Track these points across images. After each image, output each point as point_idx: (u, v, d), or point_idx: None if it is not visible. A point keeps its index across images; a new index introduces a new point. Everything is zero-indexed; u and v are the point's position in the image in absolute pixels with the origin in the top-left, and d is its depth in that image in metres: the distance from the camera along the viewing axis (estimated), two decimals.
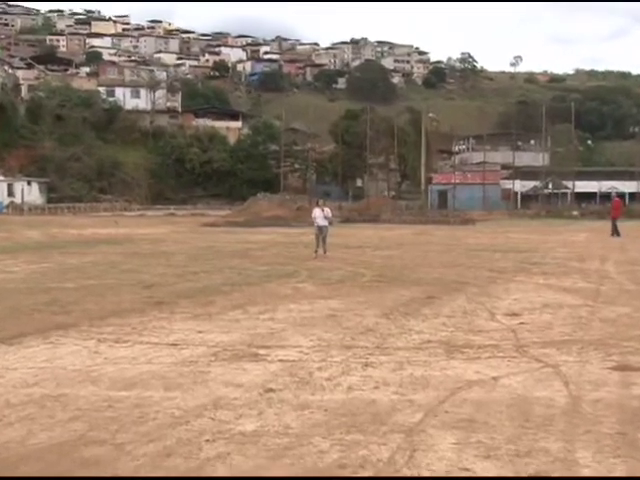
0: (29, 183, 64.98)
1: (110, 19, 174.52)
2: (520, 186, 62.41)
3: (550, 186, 62.29)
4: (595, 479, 4.15)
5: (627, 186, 59.52)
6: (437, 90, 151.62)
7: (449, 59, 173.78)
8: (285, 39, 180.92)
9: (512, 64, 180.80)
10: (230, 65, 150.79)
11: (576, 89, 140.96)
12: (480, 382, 6.07)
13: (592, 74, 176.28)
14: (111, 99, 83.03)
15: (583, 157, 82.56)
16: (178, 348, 7.39)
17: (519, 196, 62.71)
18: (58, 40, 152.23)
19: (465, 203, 55.40)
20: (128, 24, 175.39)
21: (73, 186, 66.70)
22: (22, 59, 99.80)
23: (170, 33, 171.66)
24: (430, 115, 74.66)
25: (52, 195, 65.41)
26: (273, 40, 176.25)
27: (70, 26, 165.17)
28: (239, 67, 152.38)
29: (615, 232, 28.07)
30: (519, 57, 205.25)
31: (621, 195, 46.41)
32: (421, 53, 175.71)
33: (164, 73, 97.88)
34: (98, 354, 7.12)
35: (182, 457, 4.36)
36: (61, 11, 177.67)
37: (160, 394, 5.68)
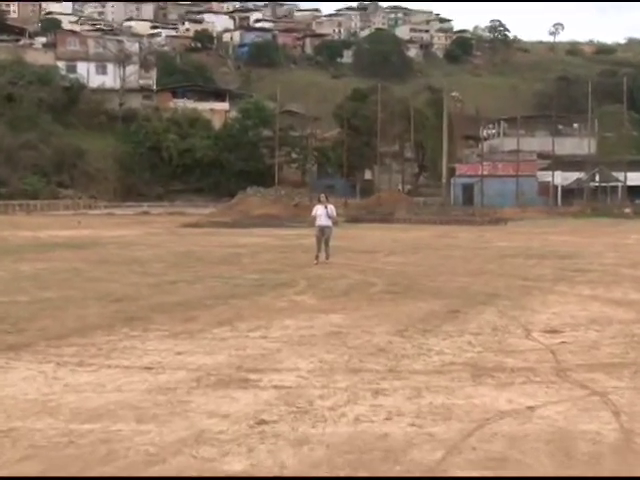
0: None
1: None
2: (561, 179, 62.39)
3: (597, 179, 62.27)
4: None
5: None
6: (461, 65, 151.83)
7: (476, 28, 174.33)
8: (280, 3, 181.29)
9: (551, 33, 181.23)
10: (215, 35, 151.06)
11: (628, 62, 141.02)
12: (513, 412, 6.07)
13: None
14: (72, 76, 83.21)
15: (637, 144, 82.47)
16: (153, 373, 7.39)
17: (559, 190, 62.69)
18: (8, 4, 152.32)
19: (495, 199, 55.40)
20: None
21: (27, 180, 66.81)
22: None
23: None
24: (453, 94, 74.79)
25: (1, 190, 65.51)
26: (265, 5, 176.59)
27: None
28: (225, 37, 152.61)
29: None
30: (560, 25, 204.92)
31: None
32: (442, 21, 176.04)
33: (136, 45, 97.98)
34: (57, 380, 7.12)
35: None
36: None
37: (131, 427, 5.68)
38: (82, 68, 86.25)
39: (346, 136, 67.66)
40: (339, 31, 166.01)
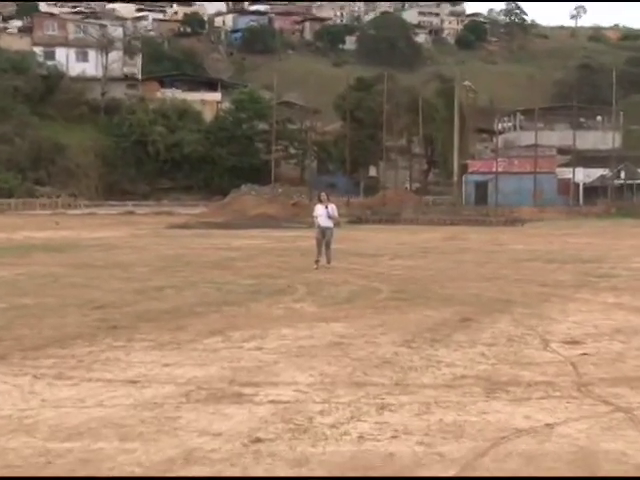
0: None
1: None
2: (583, 176, 62.41)
3: (622, 175, 62.25)
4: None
5: None
6: (475, 51, 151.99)
7: (490, 11, 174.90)
8: None
9: (573, 17, 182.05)
10: (206, 19, 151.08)
11: None
12: (531, 430, 6.07)
13: None
14: (50, 63, 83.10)
15: None
16: (138, 387, 7.39)
17: (581, 189, 62.71)
18: None
19: (510, 198, 55.40)
20: None
21: (0, 176, 66.77)
22: None
23: None
24: (465, 84, 74.69)
25: None
26: None
27: None
28: (218, 22, 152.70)
29: None
30: (582, 7, 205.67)
31: None
32: (453, 3, 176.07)
33: (120, 29, 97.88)
34: (34, 395, 7.13)
35: None
36: None
37: (114, 446, 5.68)
38: (61, 54, 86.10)
39: (349, 129, 67.62)
40: (341, 15, 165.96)
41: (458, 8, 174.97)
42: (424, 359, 8.59)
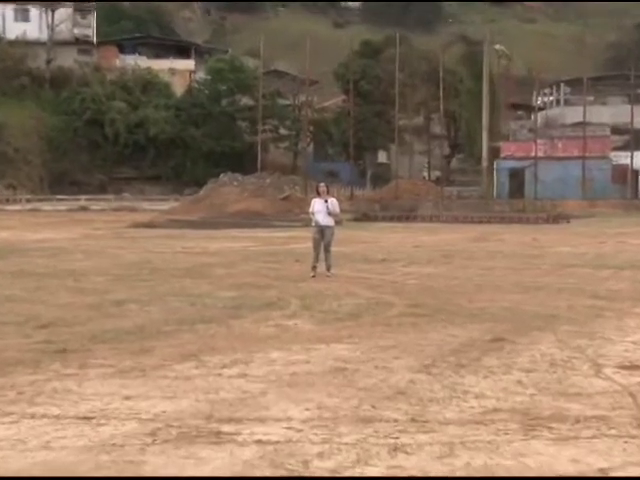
0: None
1: None
2: None
3: None
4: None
5: None
6: (508, 8, 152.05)
7: None
8: None
9: None
10: None
11: None
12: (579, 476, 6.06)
13: None
14: None
15: None
16: (93, 424, 7.37)
17: None
18: None
19: (553, 189, 55.50)
20: None
21: None
22: None
23: None
24: (497, 48, 74.85)
25: None
26: None
27: None
28: None
29: None
30: None
31: None
32: None
33: None
34: None
35: None
36: None
37: None
38: None
39: (352, 105, 67.73)
40: None
41: None
42: (447, 388, 8.58)
